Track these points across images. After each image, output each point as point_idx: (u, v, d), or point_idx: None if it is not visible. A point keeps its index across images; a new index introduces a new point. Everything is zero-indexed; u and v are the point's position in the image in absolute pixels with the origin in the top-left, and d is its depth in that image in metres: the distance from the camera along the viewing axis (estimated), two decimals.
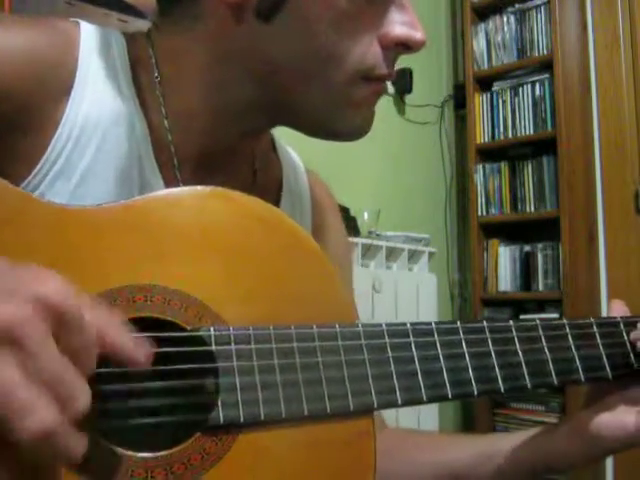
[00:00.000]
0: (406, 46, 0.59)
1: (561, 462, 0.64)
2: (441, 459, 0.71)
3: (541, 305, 2.83)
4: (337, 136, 0.64)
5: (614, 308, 0.66)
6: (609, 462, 2.42)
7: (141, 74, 0.62)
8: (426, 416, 2.39)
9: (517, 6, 2.97)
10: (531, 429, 0.69)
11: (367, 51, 0.58)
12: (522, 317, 2.82)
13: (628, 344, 0.63)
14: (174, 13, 0.60)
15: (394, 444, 0.73)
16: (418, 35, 0.59)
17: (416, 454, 0.73)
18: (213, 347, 0.50)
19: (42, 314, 0.35)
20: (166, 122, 0.61)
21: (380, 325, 0.55)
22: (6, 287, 0.36)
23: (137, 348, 0.40)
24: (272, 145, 0.75)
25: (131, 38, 0.63)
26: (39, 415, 0.34)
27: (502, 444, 0.67)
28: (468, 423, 3.04)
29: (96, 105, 0.59)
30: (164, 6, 0.61)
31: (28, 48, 0.56)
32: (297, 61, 0.57)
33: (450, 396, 0.54)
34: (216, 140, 0.63)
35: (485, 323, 0.58)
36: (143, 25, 0.64)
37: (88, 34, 0.61)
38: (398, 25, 0.58)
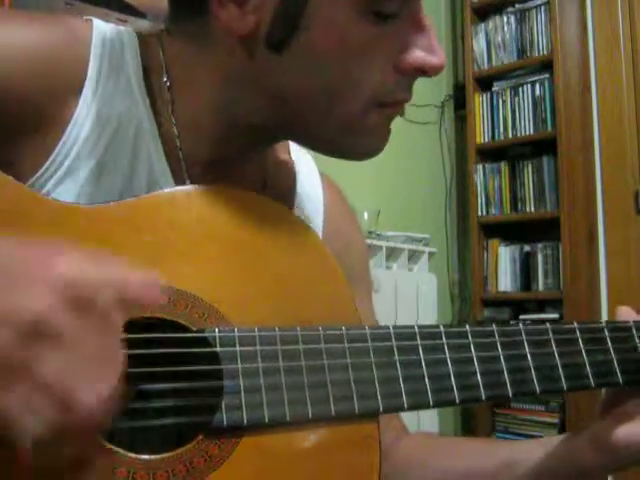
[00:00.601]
0: (423, 71, 0.56)
1: (583, 473, 0.62)
2: (462, 467, 0.70)
3: (541, 305, 2.83)
4: (352, 158, 0.62)
5: (622, 315, 0.64)
6: None
7: (152, 75, 0.61)
8: (425, 415, 2.39)
9: (517, 6, 2.97)
10: (549, 437, 0.67)
11: (382, 79, 0.55)
12: (522, 317, 2.82)
13: None
14: (186, 25, 0.59)
15: (421, 451, 0.73)
16: (435, 60, 0.56)
17: (443, 461, 0.72)
18: (218, 349, 0.49)
19: (65, 301, 0.37)
20: (175, 127, 0.61)
21: (387, 327, 0.54)
22: (21, 273, 0.37)
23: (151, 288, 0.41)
24: (287, 148, 0.74)
25: (144, 38, 0.62)
26: (85, 397, 0.36)
27: (522, 453, 0.66)
28: (468, 422, 3.03)
29: (106, 104, 0.59)
30: (176, 15, 0.60)
31: (39, 46, 0.56)
32: (308, 94, 0.55)
33: (457, 401, 0.54)
34: (225, 148, 0.62)
35: (494, 327, 0.57)
36: (143, 25, 0.63)
37: (100, 32, 0.60)
38: (415, 50, 0.55)
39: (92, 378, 0.37)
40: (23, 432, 0.35)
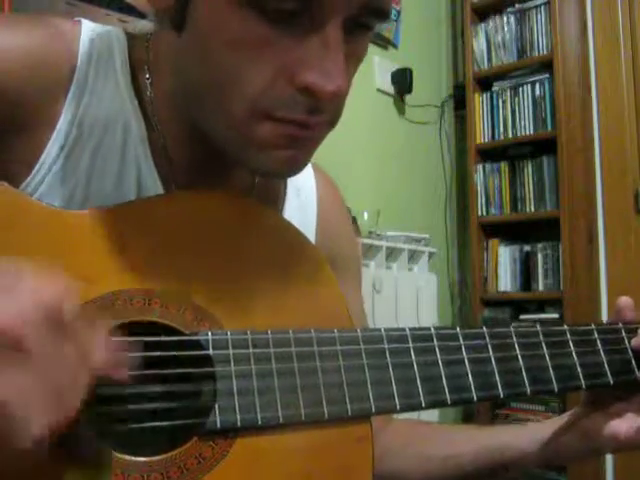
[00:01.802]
0: (312, 94, 0.49)
1: (566, 458, 0.69)
2: (448, 453, 0.72)
3: (541, 305, 2.83)
4: (255, 173, 0.60)
5: (621, 305, 0.67)
6: (609, 462, 2.42)
7: (140, 75, 0.61)
8: (425, 414, 2.39)
9: (517, 6, 2.97)
10: (530, 423, 0.74)
11: (269, 87, 0.50)
12: (522, 317, 2.82)
13: (630, 351, 0.64)
14: (157, 18, 0.59)
15: (401, 439, 0.75)
16: (328, 87, 0.48)
17: (423, 448, 0.74)
18: (210, 351, 0.49)
19: (43, 316, 0.36)
20: (157, 128, 0.61)
21: (379, 330, 0.55)
22: (5, 287, 0.36)
23: (118, 369, 0.41)
24: None
25: (132, 38, 0.62)
26: (43, 419, 0.35)
27: (507, 438, 0.70)
28: (468, 422, 3.03)
29: (93, 106, 0.59)
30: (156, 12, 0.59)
31: (26, 47, 0.56)
32: (199, 79, 0.52)
33: (449, 402, 0.54)
34: (204, 148, 0.59)
35: (485, 329, 0.58)
36: (143, 25, 0.63)
37: (89, 33, 0.60)
38: (310, 68, 0.49)
39: (45, 405, 0.36)
40: None
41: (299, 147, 0.54)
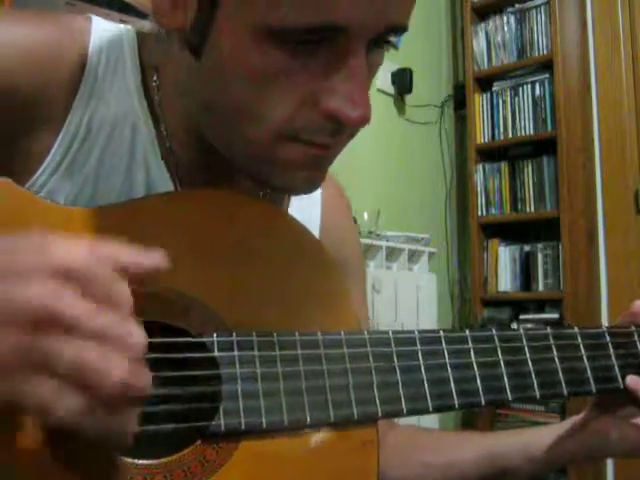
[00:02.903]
0: (338, 121, 0.50)
1: (570, 463, 0.69)
2: (450, 461, 0.72)
3: (541, 305, 2.83)
4: (276, 190, 0.59)
5: (637, 308, 0.65)
6: (609, 463, 2.42)
7: (149, 75, 0.61)
8: (426, 416, 2.39)
9: (517, 6, 2.96)
10: (531, 428, 0.72)
11: (293, 114, 0.50)
12: (522, 317, 2.82)
13: None
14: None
15: (404, 446, 0.74)
16: (354, 115, 0.49)
17: (425, 456, 0.74)
18: (216, 353, 0.49)
19: (66, 284, 0.36)
20: (165, 131, 0.60)
21: (387, 332, 0.54)
22: (17, 266, 0.37)
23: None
24: None
25: (144, 37, 0.62)
26: (115, 369, 0.36)
27: (511, 444, 0.70)
28: (469, 423, 3.03)
29: (103, 105, 0.58)
30: None
31: (36, 45, 0.55)
32: (216, 103, 0.52)
33: (457, 406, 0.54)
34: (213, 154, 0.58)
35: (494, 331, 0.57)
36: (144, 25, 0.63)
37: (99, 31, 0.59)
38: (335, 95, 0.49)
39: (111, 354, 0.36)
40: (61, 418, 0.35)
41: (321, 166, 0.55)
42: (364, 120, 0.49)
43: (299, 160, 0.53)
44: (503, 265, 2.92)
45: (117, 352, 0.36)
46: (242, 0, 0.46)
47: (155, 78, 0.60)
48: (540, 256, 2.82)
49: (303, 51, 0.48)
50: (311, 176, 0.55)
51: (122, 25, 0.62)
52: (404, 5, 0.49)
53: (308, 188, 0.57)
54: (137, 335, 0.37)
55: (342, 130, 0.52)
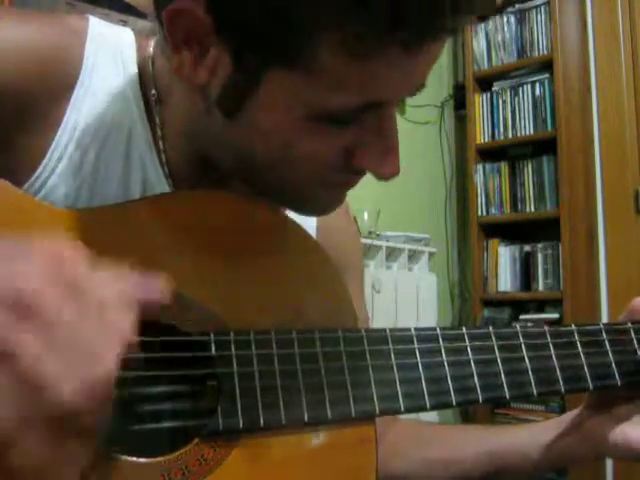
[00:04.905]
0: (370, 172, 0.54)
1: (570, 462, 0.68)
2: (450, 456, 0.72)
3: (541, 305, 2.83)
4: (299, 211, 0.60)
5: (637, 305, 0.65)
6: (609, 463, 2.42)
7: (147, 81, 0.60)
8: (425, 414, 2.39)
9: (517, 6, 2.97)
10: (533, 424, 0.71)
11: (325, 167, 0.53)
12: (522, 317, 2.82)
13: (639, 351, 0.62)
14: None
15: (405, 440, 0.74)
16: (386, 171, 0.52)
17: (426, 451, 0.74)
18: (213, 352, 0.49)
19: (62, 283, 0.34)
20: (161, 141, 0.60)
21: (384, 330, 0.54)
22: (18, 253, 0.35)
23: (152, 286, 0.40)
24: None
25: (142, 40, 0.62)
26: (69, 387, 0.32)
27: (509, 442, 0.69)
28: (468, 422, 3.03)
29: (98, 106, 0.58)
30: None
31: (32, 45, 0.55)
32: (257, 156, 0.53)
33: (454, 403, 0.54)
34: (210, 164, 0.59)
35: (491, 329, 0.57)
36: (144, 26, 0.63)
37: (96, 32, 0.59)
38: (368, 153, 0.52)
39: (74, 369, 0.33)
40: None
41: (342, 196, 0.58)
42: (395, 174, 0.52)
43: (323, 195, 0.57)
44: (503, 265, 2.92)
45: (81, 371, 0.33)
46: (295, 80, 0.47)
47: (154, 92, 0.59)
48: (540, 256, 2.82)
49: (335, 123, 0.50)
50: (331, 203, 0.58)
51: (120, 27, 0.62)
52: (431, 67, 0.50)
53: (324, 212, 0.60)
54: (100, 370, 0.34)
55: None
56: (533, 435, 0.68)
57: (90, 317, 0.35)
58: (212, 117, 0.53)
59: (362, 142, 0.52)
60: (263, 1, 0.44)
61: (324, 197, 0.57)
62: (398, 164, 0.52)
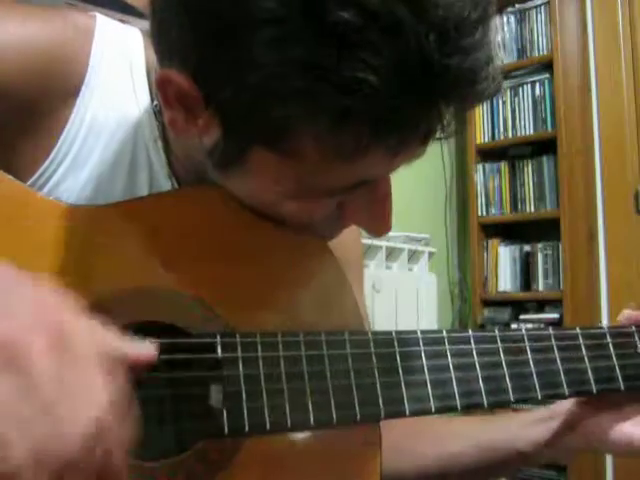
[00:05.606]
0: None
1: (560, 455, 0.70)
2: (442, 450, 0.72)
3: (541, 305, 2.83)
4: None
5: (624, 318, 0.65)
6: (609, 462, 2.42)
7: (152, 83, 0.60)
8: None
9: (517, 6, 2.96)
10: (523, 414, 0.70)
11: (318, 222, 0.54)
12: (522, 317, 2.82)
13: None
14: None
15: (396, 434, 0.74)
16: (379, 232, 0.54)
17: (417, 445, 0.73)
18: (219, 354, 0.49)
19: (51, 340, 0.34)
20: (163, 152, 0.60)
21: (390, 333, 0.54)
22: (14, 302, 0.34)
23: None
24: None
25: (149, 43, 0.60)
26: None
27: (503, 437, 0.69)
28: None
29: (105, 105, 0.58)
30: None
31: (38, 43, 0.55)
32: (241, 198, 0.54)
33: (459, 407, 0.54)
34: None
35: (497, 332, 0.57)
36: (144, 26, 0.62)
37: (104, 30, 0.59)
38: (362, 212, 0.53)
39: (33, 429, 0.31)
40: None
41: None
42: (386, 232, 0.54)
43: (317, 234, 0.57)
44: (503, 265, 2.92)
45: (27, 433, 0.31)
46: (282, 160, 0.47)
47: (155, 103, 0.59)
48: (540, 256, 2.82)
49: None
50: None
51: (128, 26, 0.62)
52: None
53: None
54: (64, 441, 0.32)
55: None
56: (524, 428, 0.68)
57: (71, 373, 0.34)
58: (207, 160, 0.53)
59: (354, 203, 0.52)
60: (243, 90, 0.44)
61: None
62: (390, 224, 0.54)
